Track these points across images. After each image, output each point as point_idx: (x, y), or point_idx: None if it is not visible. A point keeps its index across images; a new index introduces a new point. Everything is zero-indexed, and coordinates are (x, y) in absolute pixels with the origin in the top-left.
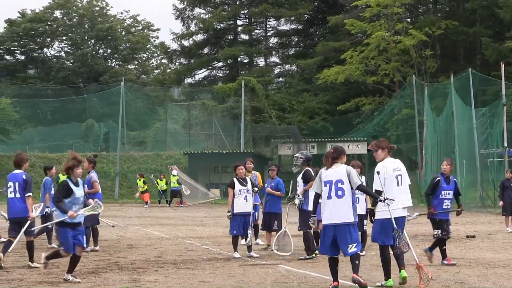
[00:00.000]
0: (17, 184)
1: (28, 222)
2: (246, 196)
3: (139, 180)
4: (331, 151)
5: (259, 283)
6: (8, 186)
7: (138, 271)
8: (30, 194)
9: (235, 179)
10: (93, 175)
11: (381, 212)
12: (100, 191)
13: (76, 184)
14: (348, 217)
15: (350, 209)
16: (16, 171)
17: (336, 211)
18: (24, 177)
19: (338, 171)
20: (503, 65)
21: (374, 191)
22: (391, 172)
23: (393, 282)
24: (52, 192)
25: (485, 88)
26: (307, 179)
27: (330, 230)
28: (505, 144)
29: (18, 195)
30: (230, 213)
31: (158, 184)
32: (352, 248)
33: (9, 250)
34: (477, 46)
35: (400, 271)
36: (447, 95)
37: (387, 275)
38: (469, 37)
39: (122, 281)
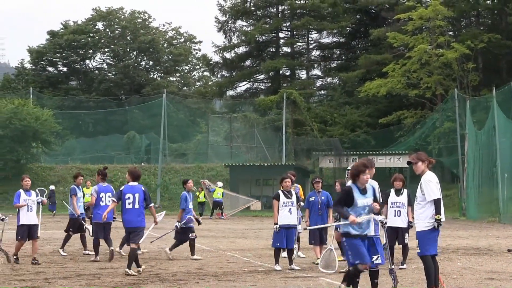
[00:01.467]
0: (137, 195)
1: (147, 231)
2: (290, 209)
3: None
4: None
5: None
6: (126, 197)
7: (179, 283)
8: (152, 204)
9: (280, 192)
10: (95, 187)
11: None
12: (101, 204)
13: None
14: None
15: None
16: (133, 183)
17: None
18: (143, 188)
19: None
20: None
21: (434, 200)
22: (437, 184)
23: None
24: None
25: None
26: None
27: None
28: None
29: (137, 206)
30: (277, 226)
31: (197, 197)
32: (377, 260)
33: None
34: None
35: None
36: (489, 108)
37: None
38: None
39: None
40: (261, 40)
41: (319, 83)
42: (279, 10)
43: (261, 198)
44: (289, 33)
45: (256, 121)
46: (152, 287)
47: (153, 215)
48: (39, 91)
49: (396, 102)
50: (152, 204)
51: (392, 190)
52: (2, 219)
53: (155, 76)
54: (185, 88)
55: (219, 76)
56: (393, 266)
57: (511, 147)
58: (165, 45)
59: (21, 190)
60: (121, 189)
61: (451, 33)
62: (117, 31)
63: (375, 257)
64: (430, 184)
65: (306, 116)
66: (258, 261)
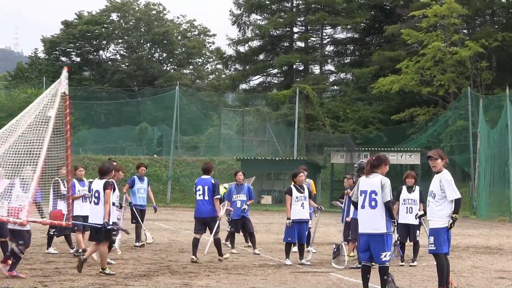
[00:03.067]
0: (206, 187)
1: (218, 222)
2: (303, 203)
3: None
4: (372, 158)
5: None
6: (197, 189)
7: (190, 275)
8: (218, 196)
9: (292, 186)
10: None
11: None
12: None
13: None
14: (379, 228)
15: (383, 220)
16: (205, 176)
17: (369, 221)
18: (212, 181)
19: (374, 182)
20: None
21: (455, 199)
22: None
23: None
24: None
25: None
26: None
27: (364, 238)
28: None
29: (206, 198)
30: (290, 221)
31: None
32: (385, 257)
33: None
34: None
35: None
36: (502, 107)
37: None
38: None
39: (174, 285)
40: (275, 34)
41: (332, 78)
42: (294, 4)
43: (272, 193)
44: (303, 27)
45: (269, 115)
46: (163, 278)
47: (217, 207)
48: (52, 80)
49: (408, 99)
50: (218, 196)
51: (404, 187)
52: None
53: (168, 68)
54: (198, 81)
55: (232, 69)
56: (403, 263)
57: None
58: (179, 37)
59: (75, 180)
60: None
61: (465, 31)
62: (131, 23)
63: (384, 254)
64: (452, 183)
65: (319, 111)
66: (268, 255)
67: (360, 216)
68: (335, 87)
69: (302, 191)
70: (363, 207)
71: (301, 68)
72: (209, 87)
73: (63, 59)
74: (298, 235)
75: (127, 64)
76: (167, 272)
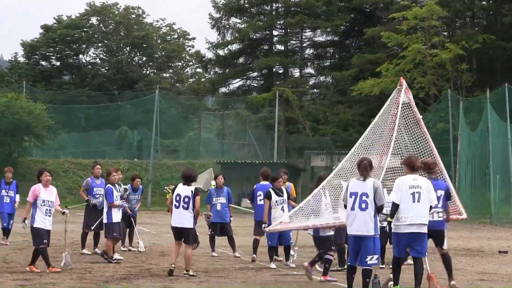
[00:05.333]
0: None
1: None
2: (283, 207)
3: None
4: (365, 163)
5: None
6: (258, 194)
7: (170, 279)
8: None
9: (271, 190)
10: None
11: (394, 226)
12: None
13: None
14: (369, 230)
15: (372, 223)
16: (264, 183)
17: (358, 224)
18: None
19: (366, 184)
20: None
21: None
22: (407, 188)
23: None
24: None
25: None
26: None
27: (354, 240)
28: None
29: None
30: (266, 225)
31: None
32: (372, 260)
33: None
34: None
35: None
36: (483, 109)
37: (395, 282)
38: (507, 51)
39: None
40: (254, 37)
41: (312, 81)
42: (273, 7)
43: None
44: (283, 31)
45: (248, 119)
46: (143, 282)
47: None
48: (32, 85)
49: None
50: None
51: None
52: (63, 213)
53: (148, 72)
54: (177, 84)
55: (212, 73)
56: (383, 266)
57: (503, 149)
58: (159, 41)
59: (111, 186)
60: (253, 188)
61: (445, 33)
62: (111, 26)
63: (369, 257)
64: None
65: (299, 114)
66: (248, 258)
67: (349, 218)
68: (315, 90)
69: (281, 194)
70: (352, 209)
71: (281, 71)
72: (189, 90)
73: (43, 63)
74: (279, 238)
75: (107, 68)
76: (147, 275)
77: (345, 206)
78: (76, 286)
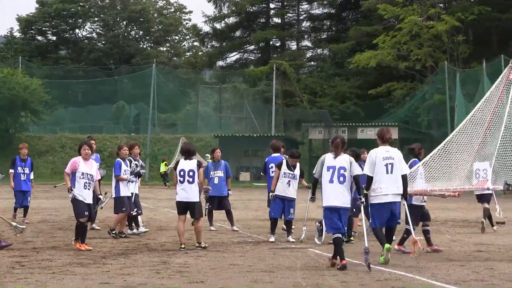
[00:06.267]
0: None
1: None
2: (289, 181)
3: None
4: (338, 141)
5: (289, 267)
6: (270, 166)
7: (168, 253)
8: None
9: (284, 160)
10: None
11: (372, 197)
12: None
13: None
14: (347, 202)
15: (349, 195)
16: (275, 154)
17: (337, 195)
18: (282, 158)
19: (342, 159)
20: None
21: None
22: (380, 160)
23: (388, 246)
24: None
25: None
26: None
27: (331, 211)
28: None
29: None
30: (272, 194)
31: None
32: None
33: None
34: (510, 32)
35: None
36: (479, 81)
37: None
38: (503, 23)
39: (152, 263)
40: (251, 10)
41: (309, 54)
42: None
43: (250, 169)
44: (280, 3)
45: (246, 92)
46: (141, 257)
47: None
48: (28, 60)
49: (386, 74)
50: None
51: None
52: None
53: (145, 46)
54: (175, 58)
55: (209, 46)
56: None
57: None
58: (155, 15)
59: (120, 160)
60: (265, 160)
61: (441, 5)
62: (107, 0)
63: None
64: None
65: (296, 87)
66: (247, 231)
67: (327, 190)
68: (312, 63)
69: (293, 169)
70: (331, 181)
71: (278, 44)
72: (186, 64)
73: (39, 38)
74: (282, 212)
75: (103, 42)
76: (145, 250)
77: (316, 180)
78: (73, 262)
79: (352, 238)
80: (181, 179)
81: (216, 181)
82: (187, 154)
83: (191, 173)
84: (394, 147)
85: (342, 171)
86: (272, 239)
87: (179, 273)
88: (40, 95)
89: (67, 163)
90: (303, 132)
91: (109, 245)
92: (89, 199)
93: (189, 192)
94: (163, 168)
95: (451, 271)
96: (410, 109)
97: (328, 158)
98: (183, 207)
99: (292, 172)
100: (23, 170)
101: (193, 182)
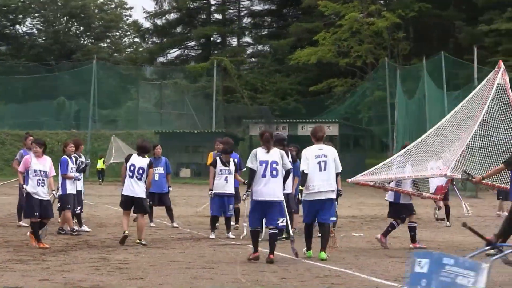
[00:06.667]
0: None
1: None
2: (227, 177)
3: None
4: (267, 135)
5: (229, 263)
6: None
7: (108, 250)
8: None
9: (218, 158)
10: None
11: (304, 194)
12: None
13: None
14: (280, 196)
15: (281, 189)
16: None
17: (269, 189)
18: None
19: (274, 153)
20: (475, 49)
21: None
22: (313, 157)
23: (311, 254)
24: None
25: (457, 71)
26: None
27: (261, 205)
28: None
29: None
30: (211, 192)
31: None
32: (282, 222)
33: None
34: (451, 29)
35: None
36: (420, 78)
37: (308, 248)
38: (443, 20)
39: (92, 260)
40: (192, 6)
41: (250, 50)
42: None
43: (190, 165)
44: (221, 0)
45: (187, 88)
46: (81, 253)
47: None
48: None
49: (326, 71)
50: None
51: None
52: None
53: (85, 42)
54: (115, 54)
55: (149, 42)
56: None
57: (440, 117)
58: (96, 11)
59: (66, 157)
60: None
61: (382, 1)
62: None
63: (280, 219)
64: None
65: (237, 83)
66: (187, 228)
67: (260, 184)
68: (253, 59)
69: (228, 165)
70: (264, 176)
71: (218, 41)
72: (127, 60)
73: None
74: (222, 208)
75: (44, 38)
76: (85, 247)
77: (253, 172)
78: (12, 258)
79: (291, 235)
80: (130, 173)
81: (156, 177)
82: (141, 150)
83: (140, 171)
84: (329, 144)
85: (274, 165)
86: (212, 236)
87: (119, 269)
88: None
89: (7, 159)
90: (243, 128)
91: (49, 242)
92: (44, 196)
93: (136, 188)
94: (100, 164)
95: (390, 268)
96: (351, 106)
97: (260, 153)
98: (128, 202)
99: (227, 168)
100: None
101: (141, 179)
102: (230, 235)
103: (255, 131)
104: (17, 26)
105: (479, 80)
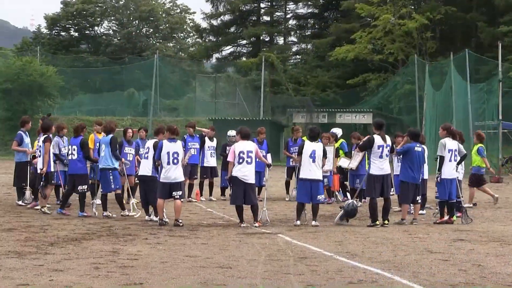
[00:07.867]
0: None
1: None
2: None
3: None
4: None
5: (251, 260)
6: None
7: (126, 239)
8: None
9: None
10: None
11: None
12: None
13: None
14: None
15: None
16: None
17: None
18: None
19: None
20: (500, 44)
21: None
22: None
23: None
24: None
25: (479, 67)
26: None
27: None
28: (500, 117)
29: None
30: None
31: None
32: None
33: None
34: (473, 30)
35: None
36: (445, 74)
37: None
38: (466, 22)
39: (100, 253)
40: (244, 9)
41: (294, 48)
42: None
43: None
44: (269, 3)
45: (238, 81)
46: (94, 243)
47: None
48: (53, 53)
49: (362, 66)
50: None
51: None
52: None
53: (154, 42)
54: (180, 52)
55: (207, 40)
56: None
57: (464, 108)
58: (163, 14)
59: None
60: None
61: (412, 6)
62: (121, 2)
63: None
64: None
65: (282, 77)
66: (220, 212)
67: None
68: (297, 56)
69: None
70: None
71: (267, 39)
72: (188, 57)
73: (63, 34)
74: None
75: (118, 38)
76: (104, 235)
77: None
78: (13, 250)
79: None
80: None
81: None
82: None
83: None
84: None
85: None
86: (243, 224)
87: (121, 268)
88: (55, 81)
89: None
90: (288, 117)
91: (70, 228)
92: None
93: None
94: None
95: (434, 268)
96: (383, 97)
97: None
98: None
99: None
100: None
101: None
102: (256, 224)
103: (298, 119)
104: (96, 28)
105: (501, 74)
